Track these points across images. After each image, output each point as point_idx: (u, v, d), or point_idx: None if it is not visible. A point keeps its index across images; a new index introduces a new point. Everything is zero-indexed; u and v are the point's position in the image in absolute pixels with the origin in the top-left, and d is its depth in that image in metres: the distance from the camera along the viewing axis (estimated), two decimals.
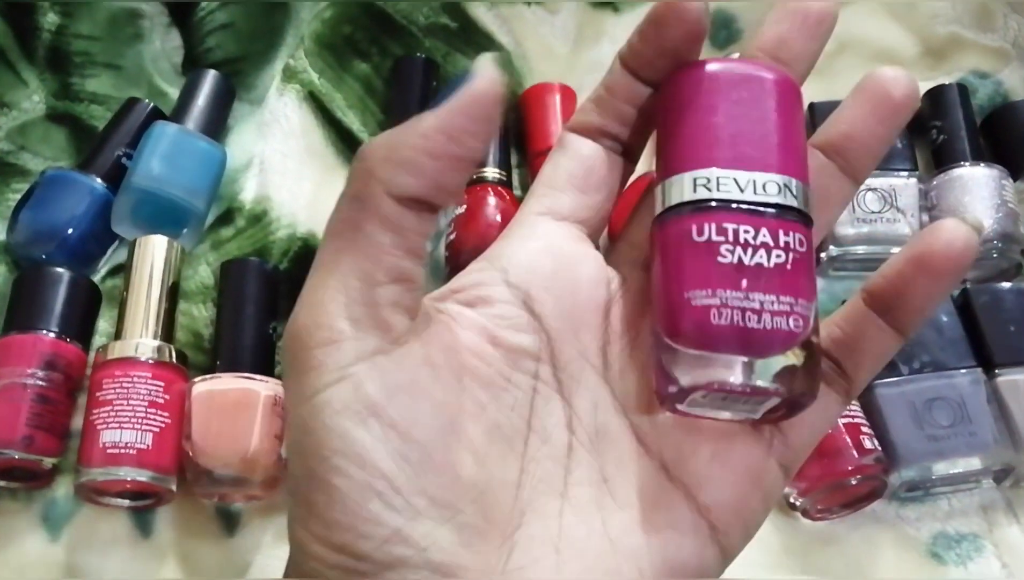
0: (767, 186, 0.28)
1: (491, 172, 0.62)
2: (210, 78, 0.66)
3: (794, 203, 0.28)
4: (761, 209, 0.28)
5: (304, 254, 0.62)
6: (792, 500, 0.53)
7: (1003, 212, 0.60)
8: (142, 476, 0.51)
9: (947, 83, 0.66)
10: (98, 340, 0.58)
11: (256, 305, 0.57)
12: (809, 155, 0.30)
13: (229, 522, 0.54)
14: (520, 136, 0.66)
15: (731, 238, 0.27)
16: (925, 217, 0.61)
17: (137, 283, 0.57)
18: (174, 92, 0.67)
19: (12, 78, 0.67)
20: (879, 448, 0.52)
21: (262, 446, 0.52)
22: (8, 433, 0.51)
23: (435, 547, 0.26)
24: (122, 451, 0.51)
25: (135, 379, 0.53)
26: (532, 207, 0.31)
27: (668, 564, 0.28)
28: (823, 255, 0.61)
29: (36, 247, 0.59)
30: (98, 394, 0.53)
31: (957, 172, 0.61)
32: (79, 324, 0.57)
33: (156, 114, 0.65)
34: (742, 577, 0.52)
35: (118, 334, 0.55)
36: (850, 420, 0.52)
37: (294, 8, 0.70)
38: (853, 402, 0.53)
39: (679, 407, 0.28)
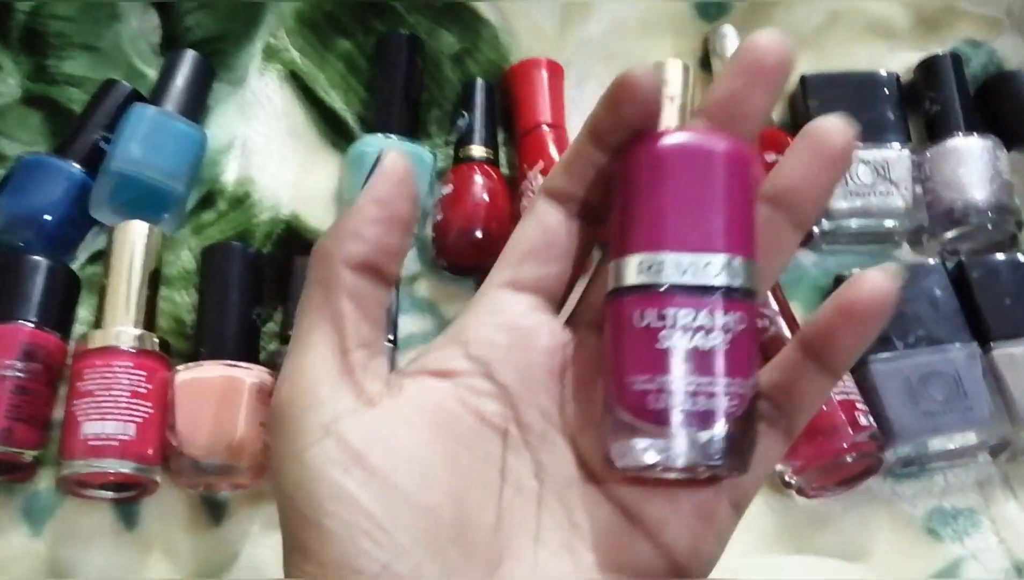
0: (709, 267, 0.29)
1: (478, 150, 0.61)
2: (189, 58, 0.64)
3: (736, 282, 0.29)
4: (702, 291, 0.29)
5: (287, 237, 0.61)
6: (787, 479, 0.52)
7: (997, 183, 0.59)
8: (125, 468, 0.50)
9: (940, 53, 0.65)
10: (78, 329, 0.57)
11: (239, 291, 0.56)
12: (757, 206, 0.31)
13: (215, 512, 0.53)
14: (507, 114, 0.65)
15: (670, 323, 0.29)
16: (919, 189, 0.60)
17: (117, 270, 0.56)
18: (153, 73, 0.66)
19: None
20: (874, 425, 0.51)
21: (248, 434, 0.51)
22: None
23: None
24: (104, 443, 0.50)
25: (116, 369, 0.52)
26: (494, 279, 0.34)
27: None
28: (816, 230, 0.60)
29: (13, 234, 0.58)
30: (79, 384, 0.52)
31: (951, 143, 0.60)
32: (58, 313, 0.56)
33: (134, 96, 0.63)
34: (736, 559, 0.51)
35: (98, 323, 0.54)
36: (844, 397, 0.51)
37: None
38: (847, 378, 0.53)
39: (626, 471, 0.31)
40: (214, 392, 0.52)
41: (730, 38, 0.65)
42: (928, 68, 0.64)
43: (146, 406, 0.52)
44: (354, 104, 0.65)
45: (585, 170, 0.33)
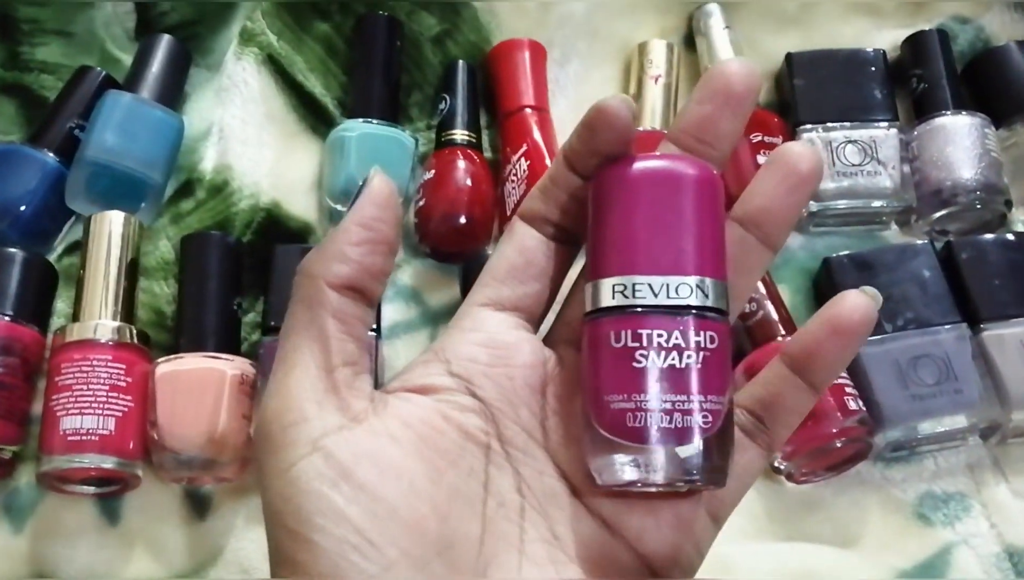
0: (680, 289, 0.31)
1: (460, 134, 0.60)
2: (164, 43, 0.63)
3: (707, 302, 0.31)
4: (675, 312, 0.31)
5: (268, 225, 0.60)
6: (776, 464, 0.52)
7: (986, 161, 0.58)
8: (106, 463, 0.50)
9: (927, 29, 0.64)
10: (56, 322, 0.56)
11: (219, 281, 0.55)
12: (728, 228, 0.33)
13: (199, 506, 0.53)
14: (489, 96, 0.64)
15: (645, 343, 0.30)
16: (906, 168, 0.59)
17: (94, 261, 0.54)
18: (128, 58, 0.64)
19: None
20: (863, 409, 0.51)
21: (230, 426, 0.51)
22: None
23: None
24: (84, 438, 0.49)
25: (95, 362, 0.51)
26: (475, 298, 0.34)
27: None
28: (803, 211, 0.59)
29: None
30: (57, 379, 0.51)
31: (939, 121, 0.60)
32: (35, 306, 0.55)
33: (109, 83, 0.62)
34: (726, 546, 0.51)
35: (76, 315, 0.53)
36: (834, 381, 0.51)
37: None
38: None
39: (607, 486, 0.32)
40: (195, 385, 0.51)
41: (715, 16, 0.64)
42: (915, 45, 0.64)
43: (126, 400, 0.51)
44: (333, 88, 0.64)
45: (560, 194, 0.34)
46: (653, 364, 0.30)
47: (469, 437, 0.32)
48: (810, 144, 0.33)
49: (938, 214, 0.58)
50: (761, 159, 0.58)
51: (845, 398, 0.51)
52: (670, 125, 0.59)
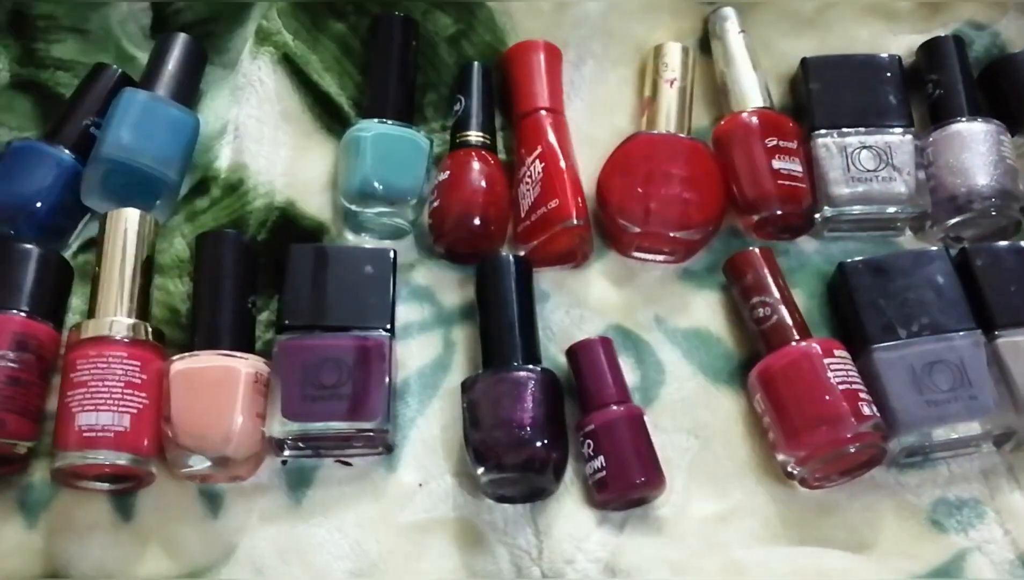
0: None
1: (475, 136, 0.60)
2: (180, 41, 0.63)
3: None
4: None
5: (282, 224, 0.60)
6: (789, 469, 0.52)
7: (1001, 168, 0.58)
8: (121, 459, 0.50)
9: (943, 35, 0.64)
10: (71, 318, 0.56)
11: (234, 279, 0.55)
12: None
13: (213, 503, 0.53)
14: (504, 97, 0.64)
15: None
16: (921, 174, 0.59)
17: (110, 258, 0.55)
18: (143, 56, 0.65)
19: None
20: (878, 414, 0.51)
21: (244, 425, 0.50)
22: None
23: None
24: (99, 434, 0.49)
25: (110, 359, 0.51)
26: None
27: None
28: (817, 216, 0.59)
29: (3, 222, 0.57)
30: (72, 375, 0.51)
31: (954, 127, 0.60)
32: (51, 302, 0.55)
33: (124, 80, 0.62)
34: (740, 550, 0.51)
35: (91, 312, 0.53)
36: (848, 386, 0.51)
37: None
38: (851, 366, 0.52)
39: None
40: (209, 382, 0.51)
41: (730, 20, 0.64)
42: (930, 50, 0.64)
43: (140, 397, 0.51)
44: (348, 88, 0.64)
45: None
46: None
47: None
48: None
49: (953, 220, 0.58)
50: (776, 164, 0.58)
51: (859, 403, 0.51)
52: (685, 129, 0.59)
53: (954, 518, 0.52)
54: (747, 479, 0.53)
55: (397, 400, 0.55)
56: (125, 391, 0.51)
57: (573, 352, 0.54)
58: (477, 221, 0.57)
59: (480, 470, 0.51)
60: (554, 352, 0.56)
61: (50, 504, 0.52)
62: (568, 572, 0.50)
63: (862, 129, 0.60)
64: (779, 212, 0.58)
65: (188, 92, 0.63)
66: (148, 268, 0.56)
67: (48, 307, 0.54)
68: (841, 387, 0.51)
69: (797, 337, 0.54)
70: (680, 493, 0.53)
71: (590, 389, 0.53)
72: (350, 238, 0.60)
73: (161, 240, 0.58)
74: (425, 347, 0.57)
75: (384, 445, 0.53)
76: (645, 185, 0.57)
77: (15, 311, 0.53)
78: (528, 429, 0.50)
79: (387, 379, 0.52)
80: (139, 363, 0.51)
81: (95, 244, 0.56)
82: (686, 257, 0.59)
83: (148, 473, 0.51)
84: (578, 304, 0.58)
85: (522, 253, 0.57)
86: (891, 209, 0.59)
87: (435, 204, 0.58)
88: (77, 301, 0.57)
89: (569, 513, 0.52)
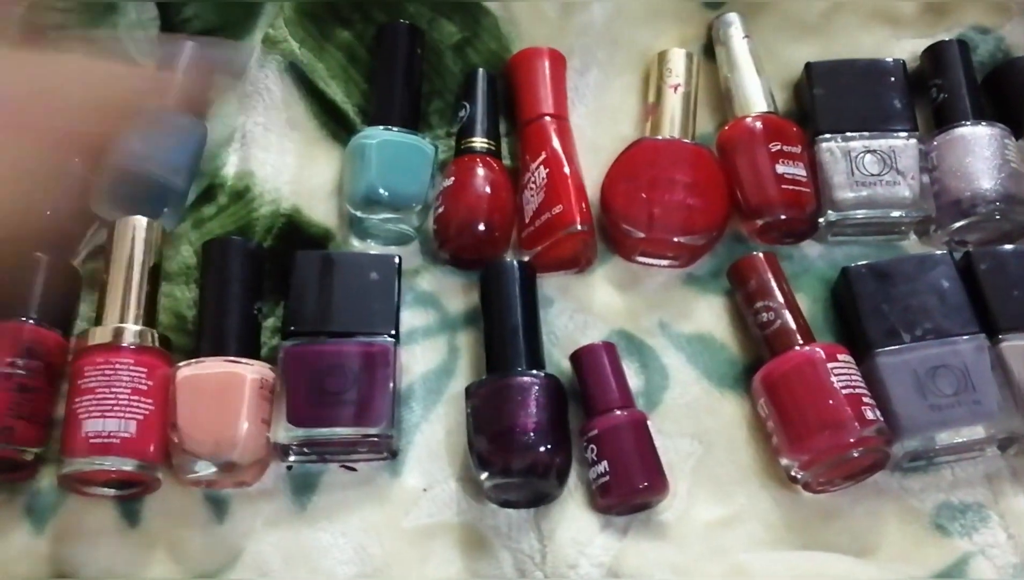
0: None
1: (479, 142, 0.61)
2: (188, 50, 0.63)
3: None
4: None
5: (288, 231, 0.60)
6: (793, 474, 0.52)
7: (1006, 172, 0.58)
8: (127, 465, 0.50)
9: (947, 39, 0.64)
10: (79, 325, 0.57)
11: (240, 285, 0.56)
12: None
13: (218, 509, 0.53)
14: (509, 104, 0.64)
15: None
16: (926, 178, 0.59)
17: (117, 266, 0.55)
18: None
19: None
20: (881, 419, 0.51)
21: (250, 431, 0.51)
22: None
23: None
24: (106, 440, 0.50)
25: (117, 366, 0.51)
26: None
27: None
28: (821, 221, 0.59)
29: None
30: (80, 382, 0.51)
31: (958, 132, 0.60)
32: (59, 310, 0.55)
33: None
34: (743, 554, 0.51)
35: (99, 319, 0.54)
36: (851, 391, 0.51)
37: None
38: (854, 371, 0.52)
39: None
40: (215, 389, 0.52)
41: (735, 25, 0.64)
42: (935, 55, 0.64)
43: (147, 403, 0.51)
44: (354, 95, 0.64)
45: None
46: None
47: None
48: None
49: (957, 224, 0.58)
50: (780, 168, 0.58)
51: (863, 408, 0.51)
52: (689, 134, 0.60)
53: (958, 522, 0.52)
54: (751, 484, 0.53)
55: (402, 405, 0.55)
56: (132, 397, 0.51)
57: (577, 357, 0.55)
58: (482, 227, 0.57)
59: (484, 475, 0.51)
60: (558, 357, 0.57)
61: (57, 510, 0.53)
62: (571, 576, 0.50)
63: (866, 134, 0.60)
64: (783, 217, 0.58)
65: None
66: (155, 275, 0.56)
67: (57, 315, 0.55)
68: (844, 392, 0.51)
69: (801, 342, 0.54)
70: (684, 498, 0.53)
71: (593, 394, 0.53)
72: (355, 244, 0.60)
73: (168, 247, 0.59)
74: (430, 352, 0.57)
75: (388, 450, 0.54)
76: (649, 190, 0.57)
77: (24, 319, 0.53)
78: (532, 434, 0.50)
79: (392, 385, 0.52)
80: (146, 369, 0.52)
81: (103, 251, 0.57)
82: (690, 262, 0.59)
83: (155, 479, 0.52)
84: (582, 309, 0.58)
85: (526, 258, 0.58)
86: (895, 213, 0.59)
87: (440, 210, 0.59)
88: (85, 308, 0.57)
89: (573, 518, 0.52)
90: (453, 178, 0.59)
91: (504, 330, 0.54)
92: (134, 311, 0.54)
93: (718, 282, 0.59)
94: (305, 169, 0.62)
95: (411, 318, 0.58)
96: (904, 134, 0.60)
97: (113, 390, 0.51)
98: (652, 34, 0.66)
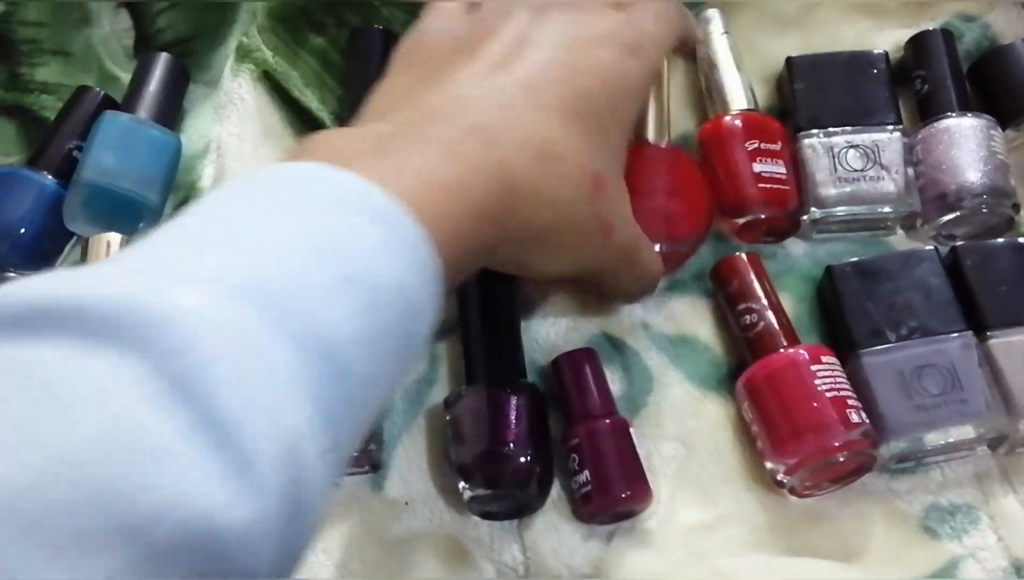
0: None
1: None
2: (162, 62, 0.63)
3: None
4: None
5: None
6: (779, 478, 0.51)
7: (992, 164, 0.57)
8: None
9: (930, 28, 0.63)
10: None
11: None
12: None
13: None
14: None
15: None
16: (911, 172, 0.58)
17: None
18: (126, 76, 0.65)
19: None
20: (867, 421, 0.50)
21: None
22: None
23: None
24: None
25: None
26: None
27: None
28: (805, 218, 0.58)
29: None
30: None
31: (944, 124, 0.58)
32: None
33: (108, 102, 0.62)
34: (727, 559, 0.50)
35: None
36: (836, 394, 0.50)
37: None
38: (839, 372, 0.51)
39: None
40: None
41: (714, 22, 0.63)
42: (918, 45, 0.62)
43: None
44: (329, 102, 0.64)
45: None
46: None
47: None
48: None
49: (944, 218, 0.57)
50: (758, 167, 0.57)
51: (848, 411, 0.50)
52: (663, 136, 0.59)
53: (947, 524, 0.51)
54: (735, 487, 0.52)
55: (383, 418, 0.54)
56: None
57: (556, 365, 0.54)
58: None
59: (464, 486, 0.50)
60: (541, 362, 0.56)
61: None
62: None
63: (849, 128, 0.59)
64: (762, 216, 0.57)
65: (170, 112, 0.63)
66: None
67: None
68: (829, 394, 0.50)
69: (784, 344, 0.53)
70: (666, 503, 0.52)
71: (574, 402, 0.53)
72: None
73: None
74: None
75: (370, 463, 0.53)
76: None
77: None
78: (511, 444, 0.50)
79: None
80: None
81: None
82: (675, 269, 0.58)
83: None
84: (564, 313, 0.58)
85: None
86: (880, 209, 0.58)
87: None
88: None
89: (555, 528, 0.51)
90: None
91: (483, 339, 0.54)
92: None
93: (700, 283, 0.58)
94: None
95: None
96: (888, 127, 0.59)
97: None
98: None
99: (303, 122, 0.63)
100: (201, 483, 0.26)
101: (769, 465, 0.51)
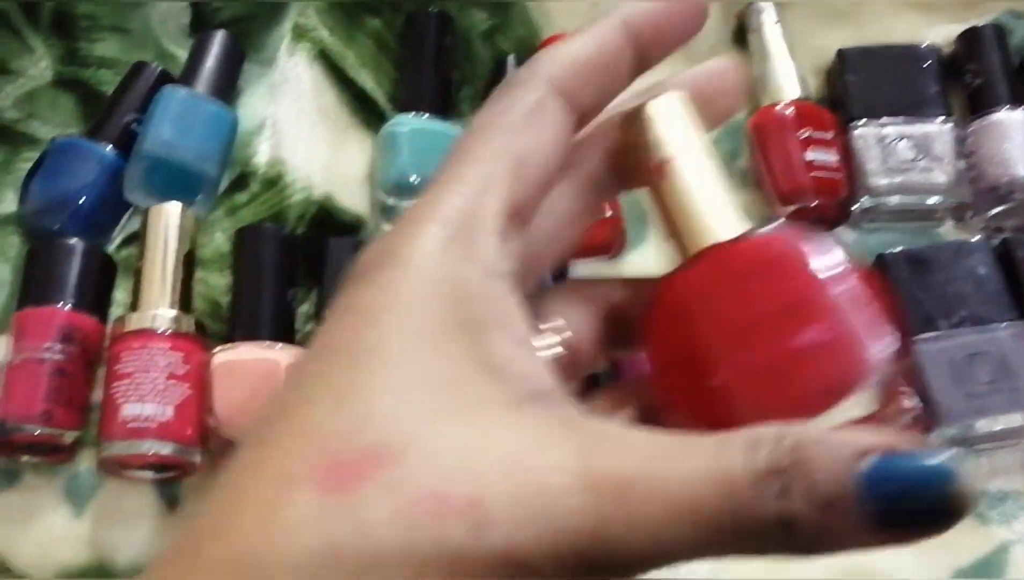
0: None
1: None
2: (219, 39, 0.64)
3: None
4: None
5: (320, 218, 0.60)
6: None
7: None
8: (165, 449, 0.50)
9: (981, 24, 0.63)
10: (115, 311, 0.57)
11: (273, 272, 0.56)
12: None
13: None
14: None
15: None
16: (961, 164, 0.59)
17: (152, 252, 0.55)
18: (183, 54, 0.65)
19: (18, 44, 0.66)
20: (918, 407, 0.51)
21: None
22: (26, 408, 0.50)
23: None
24: (143, 424, 0.50)
25: (153, 351, 0.52)
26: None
27: None
28: (856, 207, 0.59)
29: (48, 218, 0.58)
30: (116, 367, 0.52)
31: (995, 117, 0.59)
32: (95, 296, 0.56)
33: (164, 78, 0.63)
34: None
35: (134, 305, 0.54)
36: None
37: None
38: None
39: None
40: (250, 374, 0.52)
41: (767, 12, 0.64)
42: (969, 40, 0.63)
43: (183, 388, 0.52)
44: (384, 83, 0.64)
45: None
46: None
47: None
48: None
49: (994, 211, 0.58)
50: (810, 155, 0.58)
51: (899, 396, 0.50)
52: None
53: (996, 510, 0.51)
54: None
55: None
56: (168, 382, 0.51)
57: None
58: None
59: None
60: None
61: (96, 493, 0.53)
62: None
63: (900, 119, 0.60)
64: (813, 204, 0.58)
65: (226, 89, 0.63)
66: (190, 262, 0.56)
67: (93, 300, 0.55)
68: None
69: None
70: None
71: None
72: (387, 231, 0.60)
73: (202, 234, 0.59)
74: None
75: None
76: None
77: (61, 304, 0.54)
78: None
79: None
80: (182, 354, 0.52)
81: (138, 238, 0.57)
82: None
83: (191, 463, 0.52)
84: None
85: None
86: (930, 199, 0.58)
87: None
88: (121, 294, 0.58)
89: None
90: None
91: None
92: (169, 297, 0.54)
93: None
94: (336, 157, 0.62)
95: None
96: (939, 120, 0.60)
97: (150, 375, 0.51)
98: None
99: (358, 102, 0.64)
100: None
101: None
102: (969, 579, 0.50)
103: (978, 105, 0.61)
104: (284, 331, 0.55)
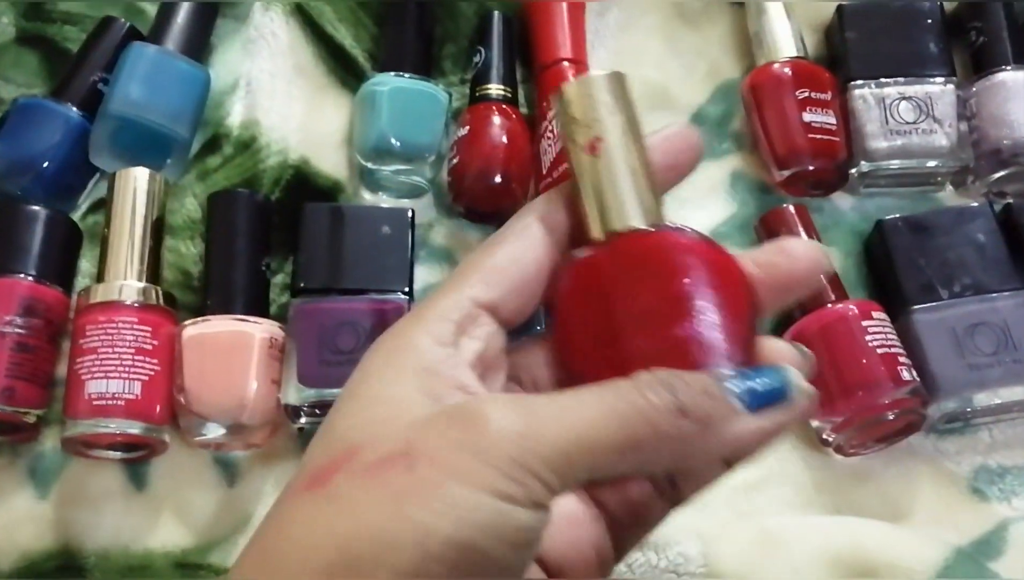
0: None
1: (495, 89, 0.58)
2: None
3: None
4: None
5: (296, 183, 0.58)
6: (825, 436, 0.50)
7: None
8: (132, 428, 0.48)
9: None
10: (81, 282, 0.55)
11: (247, 240, 0.54)
12: None
13: (228, 472, 0.51)
14: (525, 48, 0.61)
15: None
16: (963, 126, 0.56)
17: (119, 220, 0.53)
18: (152, 9, 0.62)
19: None
20: (917, 379, 0.49)
21: (259, 390, 0.49)
22: None
23: None
24: (109, 402, 0.48)
25: (120, 325, 0.49)
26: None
27: None
28: (853, 171, 0.56)
29: (10, 181, 0.56)
30: (81, 341, 0.49)
31: (999, 77, 0.57)
32: (59, 265, 0.53)
33: (133, 34, 0.60)
34: (773, 518, 0.49)
35: (100, 276, 0.52)
36: (887, 350, 0.49)
37: None
38: (890, 329, 0.50)
39: None
40: (223, 348, 0.50)
41: None
42: None
43: (152, 363, 0.49)
44: (363, 40, 0.61)
45: None
46: None
47: None
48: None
49: (997, 175, 0.56)
50: (808, 116, 0.55)
51: (898, 367, 0.48)
52: None
53: (996, 486, 0.50)
54: (781, 446, 0.51)
55: None
56: (136, 357, 0.49)
57: None
58: (498, 178, 0.55)
59: None
60: None
61: (61, 473, 0.51)
62: None
63: (901, 79, 0.57)
64: (810, 167, 0.55)
65: (198, 46, 0.61)
66: (159, 229, 0.54)
67: (56, 270, 0.53)
68: (879, 351, 0.49)
69: (833, 299, 0.51)
70: None
71: None
72: (366, 197, 0.58)
73: (172, 200, 0.57)
74: None
75: None
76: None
77: (23, 275, 0.51)
78: None
79: None
80: (150, 328, 0.50)
81: (105, 205, 0.54)
82: None
83: (161, 442, 0.50)
84: None
85: None
86: (931, 163, 0.56)
87: (454, 161, 0.56)
88: (87, 264, 0.55)
89: None
90: (468, 127, 0.56)
91: None
92: (137, 267, 0.52)
93: (746, 235, 0.56)
94: (313, 118, 0.60)
95: (425, 274, 0.56)
96: (941, 80, 0.57)
97: (116, 350, 0.49)
98: None
99: (336, 59, 0.61)
100: None
101: (815, 423, 0.50)
102: (969, 558, 0.48)
103: (982, 64, 0.58)
104: (258, 303, 0.53)
